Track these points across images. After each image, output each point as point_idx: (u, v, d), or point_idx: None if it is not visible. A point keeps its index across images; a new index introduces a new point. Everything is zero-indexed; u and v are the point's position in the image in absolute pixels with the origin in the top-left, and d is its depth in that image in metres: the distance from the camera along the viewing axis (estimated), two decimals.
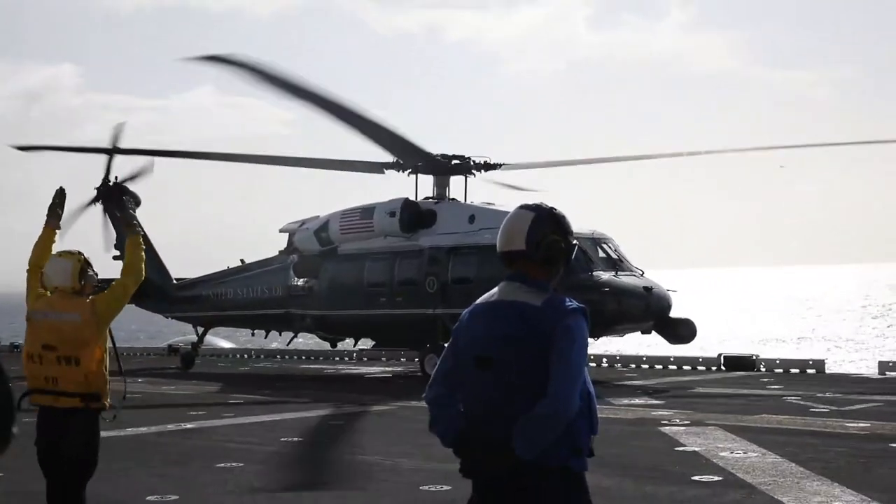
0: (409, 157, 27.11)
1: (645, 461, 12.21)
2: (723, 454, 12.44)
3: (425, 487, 10.65)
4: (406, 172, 27.74)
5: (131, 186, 29.44)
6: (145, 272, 7.80)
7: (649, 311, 24.01)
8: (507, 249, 4.80)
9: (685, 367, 27.52)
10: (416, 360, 27.35)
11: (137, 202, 24.16)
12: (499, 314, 4.66)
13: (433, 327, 25.46)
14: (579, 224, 22.61)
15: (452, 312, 23.81)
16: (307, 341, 36.82)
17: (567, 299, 4.62)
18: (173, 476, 11.71)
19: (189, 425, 16.29)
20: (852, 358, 52.28)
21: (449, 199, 27.54)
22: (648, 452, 12.87)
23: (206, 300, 30.92)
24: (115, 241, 30.18)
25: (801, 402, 18.36)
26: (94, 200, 30.21)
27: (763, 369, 26.62)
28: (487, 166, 27.70)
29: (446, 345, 4.95)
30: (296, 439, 14.71)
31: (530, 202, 4.88)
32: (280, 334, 31.52)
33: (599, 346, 30.66)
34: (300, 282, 28.65)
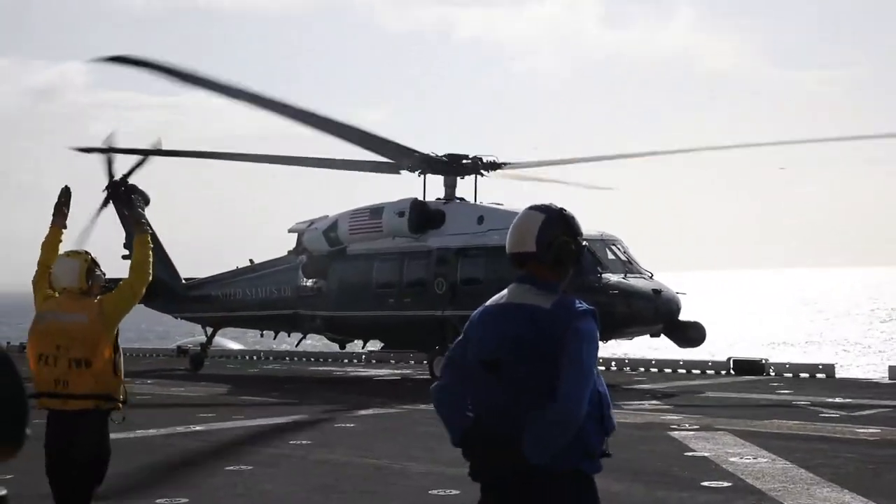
0: (405, 159, 26.91)
1: (654, 466, 12.16)
2: (732, 459, 12.39)
3: (434, 491, 10.62)
4: (417, 172, 27.61)
5: (135, 181, 29.32)
6: (154, 272, 7.75)
7: (658, 313, 23.92)
8: (517, 251, 4.78)
9: (694, 371, 27.30)
10: (425, 362, 27.30)
11: (147, 201, 24.09)
12: (508, 317, 4.64)
13: (442, 329, 25.22)
14: (587, 225, 22.47)
15: (461, 314, 23.69)
16: (315, 343, 36.79)
17: (577, 301, 4.60)
18: (182, 478, 11.71)
19: (198, 427, 16.30)
20: (860, 362, 52.10)
21: (457, 199, 27.44)
22: (657, 457, 12.82)
23: (215, 300, 30.84)
24: (124, 241, 30.24)
25: (811, 407, 18.27)
26: (107, 201, 30.13)
27: (773, 373, 26.49)
28: (495, 165, 27.57)
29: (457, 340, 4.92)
30: (305, 442, 14.68)
31: (539, 203, 4.85)
32: (289, 335, 31.49)
33: (608, 349, 30.58)
34: (309, 282, 28.54)
